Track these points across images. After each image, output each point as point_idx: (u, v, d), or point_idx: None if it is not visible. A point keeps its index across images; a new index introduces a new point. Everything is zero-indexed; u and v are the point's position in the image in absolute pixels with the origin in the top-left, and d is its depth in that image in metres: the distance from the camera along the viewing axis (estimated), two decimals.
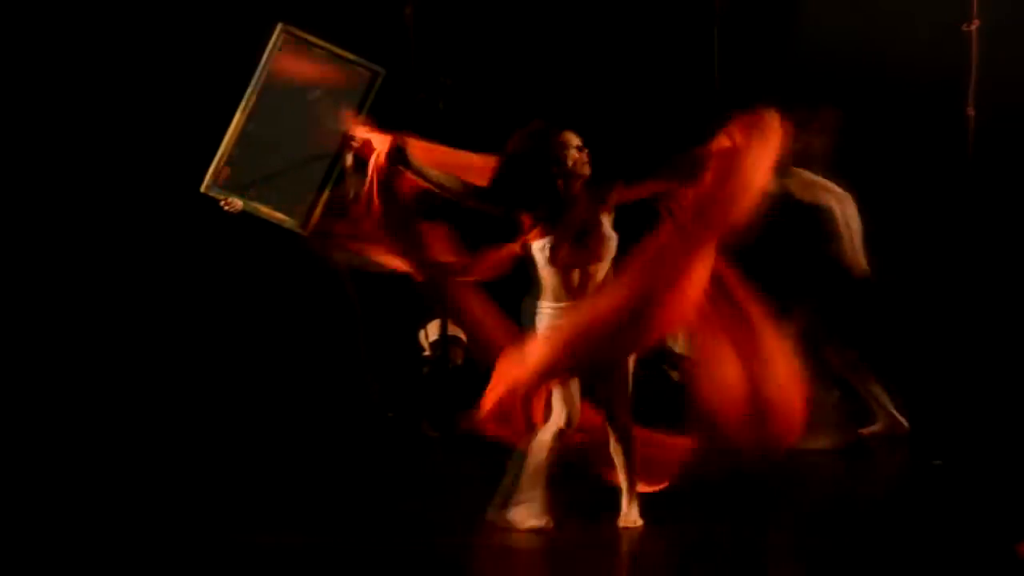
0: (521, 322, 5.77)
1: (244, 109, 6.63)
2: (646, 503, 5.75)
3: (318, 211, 6.72)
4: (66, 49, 8.59)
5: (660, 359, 7.79)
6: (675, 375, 7.98)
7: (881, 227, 7.92)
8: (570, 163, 5.60)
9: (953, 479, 6.77)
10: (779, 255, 6.90)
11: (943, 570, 5.25)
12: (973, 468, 6.94)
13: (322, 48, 6.76)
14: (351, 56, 6.79)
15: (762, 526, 5.93)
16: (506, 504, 5.66)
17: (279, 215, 6.74)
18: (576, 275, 5.63)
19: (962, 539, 5.61)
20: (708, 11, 8.20)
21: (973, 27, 7.78)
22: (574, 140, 5.65)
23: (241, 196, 6.74)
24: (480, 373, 5.97)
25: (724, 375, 5.53)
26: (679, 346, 8.03)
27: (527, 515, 5.63)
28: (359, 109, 6.62)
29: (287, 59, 6.66)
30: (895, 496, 6.51)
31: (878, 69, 8.43)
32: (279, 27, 6.62)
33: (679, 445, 5.84)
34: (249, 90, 6.59)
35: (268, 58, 6.62)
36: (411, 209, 5.90)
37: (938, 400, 7.78)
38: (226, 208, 6.80)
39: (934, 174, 8.21)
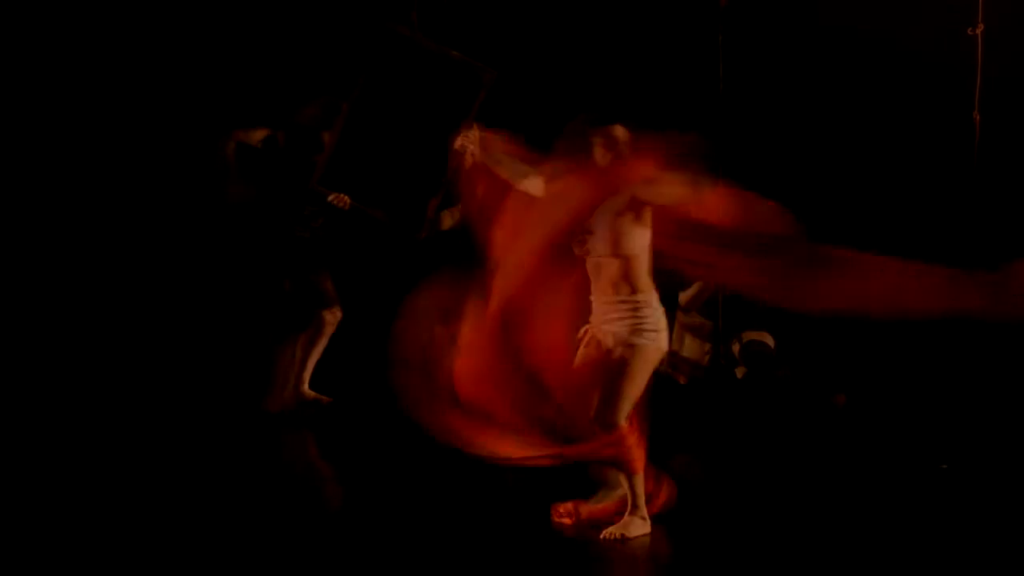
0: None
1: (349, 109, 6.61)
2: None
3: (430, 215, 6.79)
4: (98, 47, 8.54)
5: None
6: (681, 379, 7.94)
7: (888, 231, 7.89)
8: None
9: (960, 483, 6.74)
10: None
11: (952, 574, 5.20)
12: (981, 472, 6.91)
13: (428, 48, 6.68)
14: (459, 56, 6.71)
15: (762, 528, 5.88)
16: None
17: (381, 214, 6.80)
18: None
19: (971, 545, 5.57)
20: (712, 11, 8.17)
21: (978, 31, 7.74)
22: None
23: (347, 193, 6.82)
24: None
25: None
26: (685, 349, 8.00)
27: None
28: (467, 110, 6.53)
29: (392, 59, 6.60)
30: (902, 500, 6.46)
31: (883, 73, 8.42)
32: (386, 27, 6.55)
33: None
34: (354, 89, 6.56)
35: (373, 58, 6.57)
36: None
37: (945, 404, 7.74)
38: (336, 204, 6.97)
39: (940, 179, 8.19)
